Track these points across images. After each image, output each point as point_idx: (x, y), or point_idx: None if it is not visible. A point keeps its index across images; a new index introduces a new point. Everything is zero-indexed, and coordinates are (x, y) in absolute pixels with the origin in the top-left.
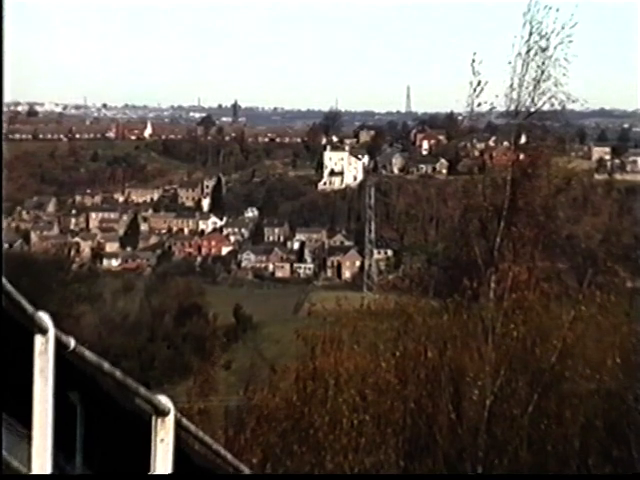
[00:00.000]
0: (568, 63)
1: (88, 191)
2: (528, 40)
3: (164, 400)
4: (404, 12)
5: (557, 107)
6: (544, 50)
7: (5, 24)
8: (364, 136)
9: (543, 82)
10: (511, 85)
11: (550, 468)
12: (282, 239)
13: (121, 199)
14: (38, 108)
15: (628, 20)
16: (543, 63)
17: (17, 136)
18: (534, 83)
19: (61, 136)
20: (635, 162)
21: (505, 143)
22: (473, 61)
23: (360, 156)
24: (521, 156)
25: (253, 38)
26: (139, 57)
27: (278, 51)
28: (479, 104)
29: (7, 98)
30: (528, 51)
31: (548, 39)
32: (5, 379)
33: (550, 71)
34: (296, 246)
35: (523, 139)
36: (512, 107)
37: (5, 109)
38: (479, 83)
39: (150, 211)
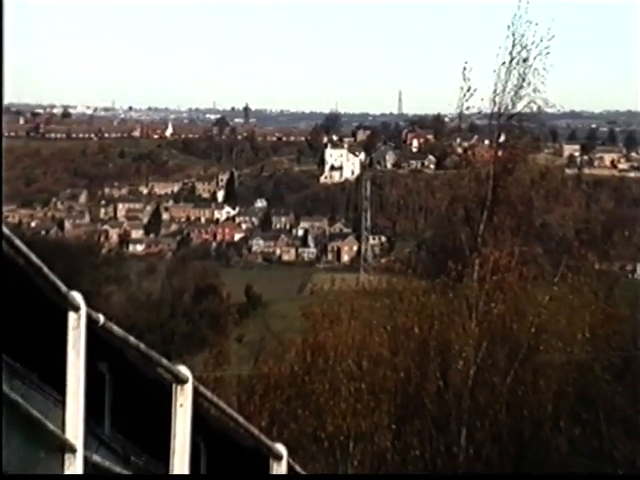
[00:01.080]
0: (546, 72)
1: (116, 184)
2: (511, 51)
3: (183, 369)
4: (395, 20)
5: (534, 110)
6: (525, 60)
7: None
8: (361, 135)
9: (523, 88)
10: (495, 90)
11: (526, 429)
12: (288, 227)
13: (145, 191)
14: (71, 110)
15: (601, 23)
16: (524, 72)
17: (52, 135)
18: (515, 89)
19: (92, 135)
20: (602, 158)
21: (486, 142)
22: (464, 69)
23: (357, 153)
24: (501, 153)
25: (262, 47)
26: (160, 64)
27: (284, 59)
28: (467, 107)
29: (44, 101)
30: (511, 61)
31: (529, 50)
32: (42, 351)
33: (530, 79)
34: (300, 233)
35: (502, 138)
36: (495, 110)
37: (42, 111)
38: (469, 89)
39: (171, 202)
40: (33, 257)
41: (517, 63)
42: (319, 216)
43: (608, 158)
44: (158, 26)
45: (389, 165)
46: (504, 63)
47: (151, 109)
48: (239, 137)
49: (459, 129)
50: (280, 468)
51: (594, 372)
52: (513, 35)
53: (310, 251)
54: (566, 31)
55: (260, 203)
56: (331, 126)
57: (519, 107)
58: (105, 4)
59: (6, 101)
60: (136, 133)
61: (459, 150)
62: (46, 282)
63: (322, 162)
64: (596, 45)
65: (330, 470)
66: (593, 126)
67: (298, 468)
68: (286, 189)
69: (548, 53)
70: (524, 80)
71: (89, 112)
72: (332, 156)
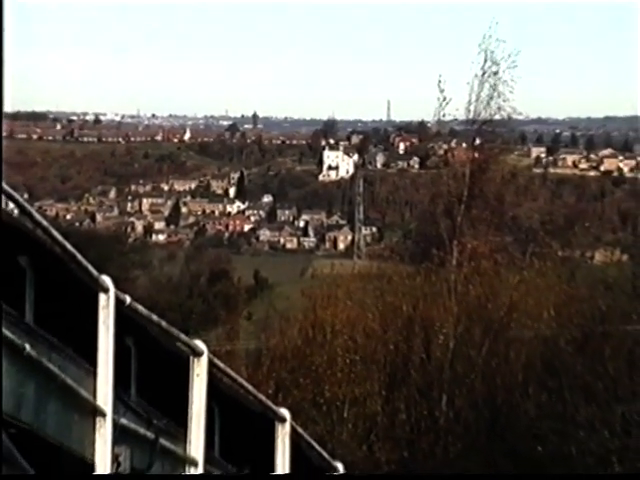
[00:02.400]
0: (514, 83)
1: (140, 182)
2: (483, 65)
3: (199, 344)
4: (381, 32)
5: (505, 117)
6: (495, 73)
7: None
8: (354, 139)
9: (494, 98)
10: (469, 100)
11: (499, 396)
12: (291, 219)
13: (166, 188)
14: (102, 117)
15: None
16: (495, 83)
17: (85, 139)
18: (487, 99)
19: (119, 139)
20: (564, 159)
21: (464, 145)
22: (439, 82)
23: (351, 154)
24: (476, 155)
25: (265, 59)
26: (179, 77)
27: (285, 70)
28: (444, 115)
29: (77, 109)
30: (483, 74)
31: (498, 64)
32: (76, 328)
33: (500, 90)
34: (302, 224)
35: (477, 142)
36: (470, 117)
37: (76, 118)
38: (444, 99)
39: (188, 197)
40: (68, 245)
41: (488, 76)
42: (318, 209)
43: (570, 159)
44: (170, 34)
45: (379, 165)
46: (477, 75)
47: (171, 116)
48: (248, 141)
49: (439, 134)
50: (284, 430)
51: (558, 345)
52: (485, 52)
53: (310, 240)
54: (534, 45)
55: (266, 198)
56: (329, 131)
57: (491, 114)
58: (119, 16)
59: (44, 109)
60: (158, 137)
61: (440, 152)
62: (79, 267)
63: (321, 162)
64: (560, 58)
65: (328, 431)
66: (557, 131)
67: (300, 430)
68: (289, 186)
69: (515, 66)
70: (495, 91)
71: (117, 119)
72: (329, 157)
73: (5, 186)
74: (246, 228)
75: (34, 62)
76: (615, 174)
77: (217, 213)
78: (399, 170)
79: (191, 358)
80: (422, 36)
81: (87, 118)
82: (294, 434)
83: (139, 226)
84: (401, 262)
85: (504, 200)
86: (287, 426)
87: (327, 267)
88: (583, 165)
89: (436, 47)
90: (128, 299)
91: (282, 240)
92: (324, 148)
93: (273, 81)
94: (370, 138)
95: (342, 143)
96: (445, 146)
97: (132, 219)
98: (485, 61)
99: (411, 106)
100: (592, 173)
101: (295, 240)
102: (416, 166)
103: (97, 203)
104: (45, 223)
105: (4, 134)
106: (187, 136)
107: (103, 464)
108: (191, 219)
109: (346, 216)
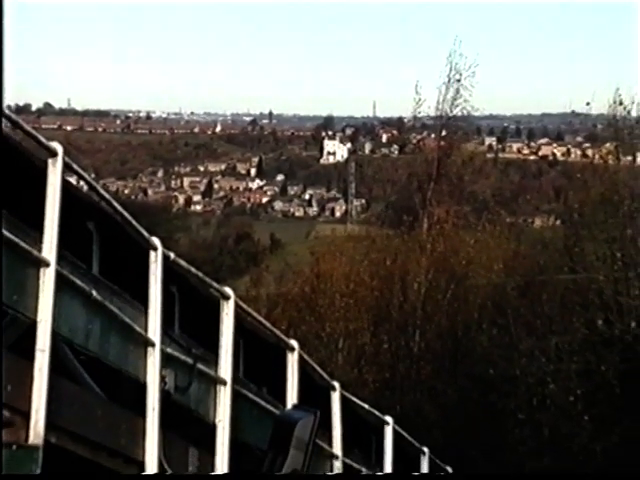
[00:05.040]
0: (473, 88)
1: (182, 164)
2: (449, 74)
3: (228, 290)
4: (372, 34)
5: (465, 114)
6: (458, 80)
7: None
8: (347, 131)
9: (457, 99)
10: (438, 100)
11: (459, 330)
12: (299, 193)
13: (202, 169)
14: (152, 114)
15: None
16: (457, 88)
17: (139, 132)
18: (451, 100)
19: (166, 132)
20: (511, 147)
21: (433, 135)
22: (416, 86)
23: (345, 143)
24: (442, 143)
25: (277, 63)
26: (211, 80)
27: (293, 75)
28: (419, 112)
29: (132, 108)
30: (449, 81)
31: (461, 74)
32: (132, 277)
33: (461, 93)
34: (307, 197)
35: (444, 133)
36: (438, 114)
37: (131, 115)
38: (419, 100)
39: (219, 176)
40: (125, 213)
41: (453, 82)
42: (319, 186)
43: (515, 146)
44: (202, 37)
45: (367, 151)
46: (444, 82)
47: (206, 113)
48: (265, 133)
49: (414, 127)
50: (293, 357)
51: (506, 291)
52: (450, 63)
53: (313, 210)
54: (495, 52)
55: (279, 177)
56: (328, 125)
57: (455, 111)
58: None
59: (105, 107)
60: (196, 130)
61: (414, 141)
62: (134, 231)
63: (321, 150)
64: (507, 60)
65: (327, 357)
66: (505, 125)
67: (306, 357)
68: (297, 168)
69: (474, 74)
70: (458, 94)
71: (164, 116)
72: (328, 145)
73: (76, 167)
74: (264, 200)
75: (94, 66)
76: (550, 158)
77: (241, 189)
78: (382, 155)
79: (221, 301)
80: (403, 37)
81: (140, 115)
82: (301, 360)
83: (181, 199)
84: (383, 227)
85: (463, 178)
86: (296, 354)
87: (327, 231)
88: (525, 151)
89: (417, 47)
90: (172, 255)
91: (292, 210)
92: (324, 138)
93: (284, 84)
94: (360, 130)
95: (338, 134)
96: (418, 137)
97: (175, 193)
98: (450, 70)
99: (392, 105)
100: (532, 157)
101: (302, 209)
102: (396, 152)
103: (148, 181)
104: (107, 196)
105: (76, 127)
106: (218, 129)
107: (153, 384)
108: (221, 193)
109: (341, 191)
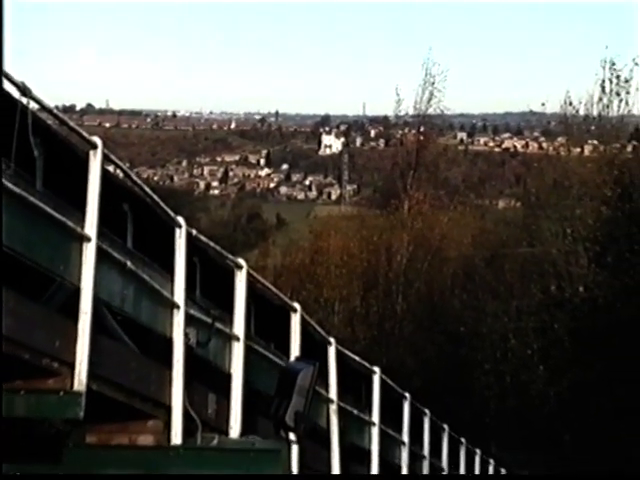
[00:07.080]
0: (445, 90)
1: (203, 156)
2: (425, 77)
3: (241, 260)
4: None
5: (439, 112)
6: (433, 84)
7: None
8: (342, 127)
9: (432, 99)
10: (416, 100)
11: (435, 294)
12: (300, 180)
13: (219, 160)
14: (177, 113)
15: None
16: (432, 90)
17: (166, 128)
18: (427, 100)
19: (189, 128)
20: (479, 140)
21: (412, 131)
22: (396, 89)
23: (340, 138)
24: (421, 138)
25: (282, 68)
26: (227, 82)
27: (295, 76)
28: (400, 111)
29: (161, 107)
30: (425, 83)
31: (434, 77)
32: (160, 250)
33: (435, 94)
34: (307, 183)
35: (422, 129)
36: (417, 112)
37: (160, 114)
38: (400, 100)
39: (234, 166)
40: (155, 196)
41: (428, 85)
42: (318, 173)
43: (482, 140)
44: (217, 41)
45: (358, 145)
46: (420, 85)
47: (222, 112)
48: (272, 129)
49: (397, 124)
50: (296, 317)
51: (474, 262)
52: (426, 70)
53: (313, 194)
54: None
55: (284, 166)
56: (325, 122)
57: (430, 111)
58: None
59: (138, 107)
60: (214, 126)
61: (397, 136)
62: (162, 211)
63: (320, 143)
64: (475, 61)
65: (325, 318)
66: (474, 122)
67: (307, 317)
68: (299, 158)
69: (446, 79)
70: (432, 94)
71: (187, 114)
72: (325, 139)
73: (113, 157)
74: (271, 186)
75: (129, 71)
76: (512, 150)
77: (252, 176)
78: (371, 148)
79: (235, 270)
80: (387, 38)
81: (167, 114)
82: (303, 320)
83: (201, 184)
84: (371, 208)
85: (439, 167)
86: (298, 315)
87: (324, 211)
88: (491, 144)
89: (398, 53)
90: (194, 232)
91: (295, 194)
92: (322, 134)
93: (288, 87)
94: (352, 127)
95: (334, 130)
96: (401, 132)
97: (197, 180)
98: (426, 75)
99: (379, 105)
100: (497, 149)
101: (303, 193)
102: (382, 145)
103: (174, 169)
104: (139, 182)
105: (113, 124)
106: (233, 126)
107: (178, 340)
108: (235, 180)
109: (336, 178)
